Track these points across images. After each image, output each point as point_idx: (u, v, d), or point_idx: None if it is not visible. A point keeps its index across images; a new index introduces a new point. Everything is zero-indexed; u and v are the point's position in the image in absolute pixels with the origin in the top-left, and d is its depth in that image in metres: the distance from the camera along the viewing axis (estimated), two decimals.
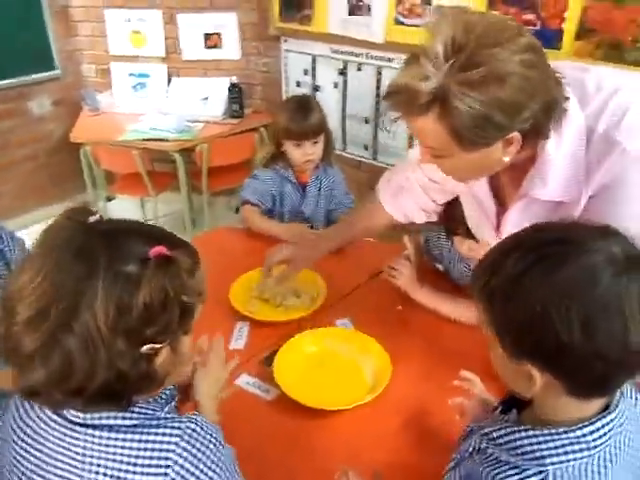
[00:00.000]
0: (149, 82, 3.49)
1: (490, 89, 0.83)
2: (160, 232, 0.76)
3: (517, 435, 0.67)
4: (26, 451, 0.72)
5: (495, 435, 0.69)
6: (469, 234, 1.34)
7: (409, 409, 1.19)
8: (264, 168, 1.90)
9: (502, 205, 1.13)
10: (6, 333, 0.66)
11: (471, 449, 0.76)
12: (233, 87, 3.23)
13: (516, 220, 1.07)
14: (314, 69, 3.04)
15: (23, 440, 0.73)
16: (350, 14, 2.67)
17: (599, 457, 0.65)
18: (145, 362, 0.69)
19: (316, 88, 3.06)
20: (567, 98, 0.91)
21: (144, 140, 3.03)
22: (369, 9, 2.59)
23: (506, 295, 0.62)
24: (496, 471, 0.67)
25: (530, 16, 2.07)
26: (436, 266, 1.67)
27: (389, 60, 2.65)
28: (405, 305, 1.54)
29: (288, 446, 1.10)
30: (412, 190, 1.39)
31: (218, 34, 3.30)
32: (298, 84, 3.17)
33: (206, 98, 3.39)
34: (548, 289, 0.59)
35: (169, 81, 3.47)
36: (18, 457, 0.73)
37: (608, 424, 0.65)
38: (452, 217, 1.39)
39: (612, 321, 0.58)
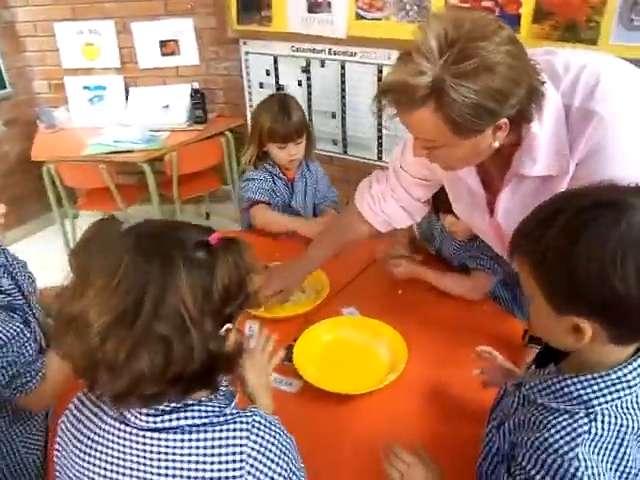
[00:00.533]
0: (106, 94, 3.41)
1: (482, 79, 0.89)
2: (196, 224, 0.78)
3: (564, 383, 0.72)
4: (90, 463, 0.72)
5: (543, 386, 0.75)
6: (451, 209, 1.40)
7: (430, 385, 1.24)
8: (254, 169, 1.90)
9: (490, 191, 1.18)
10: (87, 349, 0.66)
11: (515, 404, 0.81)
12: (195, 93, 3.20)
13: (509, 200, 1.13)
14: (276, 69, 3.05)
15: (86, 453, 0.73)
16: (310, 12, 2.70)
17: (637, 395, 0.71)
18: (224, 342, 0.72)
19: (280, 88, 3.07)
20: (544, 82, 0.98)
21: (109, 153, 2.97)
22: (329, 5, 2.62)
23: (560, 258, 0.67)
24: (549, 418, 0.72)
25: (488, 3, 2.16)
26: (429, 249, 1.73)
27: (352, 55, 2.70)
28: (404, 289, 1.59)
29: (321, 433, 1.12)
30: (395, 192, 1.43)
31: (175, 41, 3.26)
32: (261, 85, 3.17)
33: (167, 106, 3.35)
34: (602, 250, 0.64)
35: (127, 92, 3.41)
36: (82, 470, 0.73)
37: None
38: (437, 196, 1.45)
39: None
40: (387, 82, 0.96)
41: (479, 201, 1.20)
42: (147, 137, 3.07)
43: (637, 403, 0.71)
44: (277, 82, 3.09)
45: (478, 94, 0.89)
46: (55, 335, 0.71)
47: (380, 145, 2.84)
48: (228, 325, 0.72)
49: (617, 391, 0.70)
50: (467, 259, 1.56)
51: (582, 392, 0.70)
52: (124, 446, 0.71)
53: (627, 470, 0.70)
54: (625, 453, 0.69)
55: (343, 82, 2.81)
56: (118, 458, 0.71)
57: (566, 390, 0.72)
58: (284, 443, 0.75)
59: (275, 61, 3.03)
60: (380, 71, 2.62)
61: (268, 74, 3.10)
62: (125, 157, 2.97)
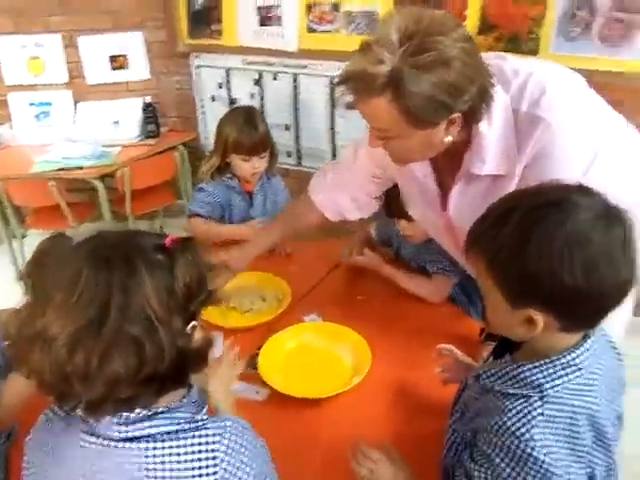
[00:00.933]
0: (52, 110, 3.33)
1: (439, 72, 0.93)
2: (149, 231, 0.80)
3: (519, 370, 0.77)
4: (61, 477, 0.71)
5: (500, 374, 0.79)
6: (405, 214, 1.45)
7: (394, 386, 1.27)
8: (211, 179, 1.90)
9: (443, 189, 1.24)
10: (55, 363, 0.65)
11: (476, 395, 0.85)
12: (147, 107, 3.17)
13: (460, 197, 1.18)
14: (229, 82, 3.06)
15: (57, 468, 0.71)
16: (261, 25, 2.73)
17: (586, 375, 0.76)
18: (191, 340, 0.73)
19: (232, 101, 3.08)
20: (494, 85, 1.03)
21: (58, 170, 2.89)
22: (280, 19, 2.66)
23: (513, 255, 0.71)
24: (506, 403, 0.76)
25: None
26: (387, 251, 1.77)
27: (304, 67, 2.74)
28: (364, 294, 1.63)
29: (290, 438, 1.12)
30: (347, 185, 1.47)
31: (124, 55, 3.23)
32: (213, 98, 3.17)
33: (117, 121, 3.29)
34: (551, 248, 0.68)
35: (75, 107, 3.33)
36: None
37: (588, 350, 0.77)
38: (391, 200, 1.50)
39: (606, 264, 0.69)
40: (347, 71, 0.99)
41: (432, 198, 1.25)
42: (98, 153, 3.01)
43: (586, 385, 0.76)
44: (229, 95, 3.09)
45: (434, 87, 0.93)
46: (18, 355, 0.70)
47: (334, 156, 2.89)
48: (193, 322, 0.74)
49: (567, 374, 0.75)
50: (427, 263, 1.59)
51: (534, 377, 0.75)
52: (96, 458, 0.70)
53: (579, 448, 0.74)
54: (577, 432, 0.74)
55: (296, 94, 2.85)
56: (92, 472, 0.70)
57: (521, 376, 0.76)
58: (257, 445, 0.76)
59: (227, 74, 3.04)
60: (332, 83, 2.67)
61: (220, 87, 3.10)
62: (76, 174, 2.90)
